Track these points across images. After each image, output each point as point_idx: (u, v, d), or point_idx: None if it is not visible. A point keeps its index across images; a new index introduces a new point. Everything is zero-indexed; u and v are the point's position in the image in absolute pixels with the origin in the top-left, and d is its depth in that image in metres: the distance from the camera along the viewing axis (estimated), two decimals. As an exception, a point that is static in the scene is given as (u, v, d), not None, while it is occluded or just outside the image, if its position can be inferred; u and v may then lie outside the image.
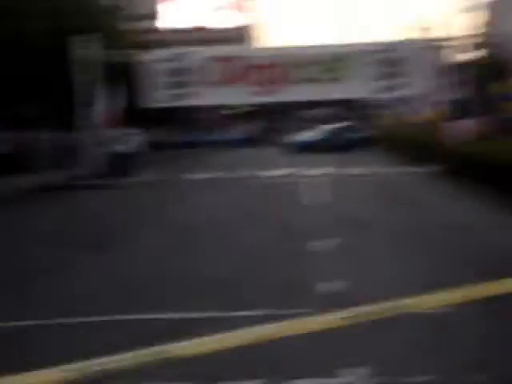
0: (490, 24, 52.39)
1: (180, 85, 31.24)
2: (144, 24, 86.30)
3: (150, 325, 7.96)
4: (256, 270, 11.25)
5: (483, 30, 48.39)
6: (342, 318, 3.58)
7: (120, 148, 29.74)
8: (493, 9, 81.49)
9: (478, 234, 13.98)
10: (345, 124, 53.00)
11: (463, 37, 32.68)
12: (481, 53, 35.10)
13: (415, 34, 40.77)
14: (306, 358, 6.55)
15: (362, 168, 31.98)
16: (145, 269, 11.53)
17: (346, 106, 70.75)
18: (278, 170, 32.15)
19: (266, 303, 8.62)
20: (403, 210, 18.24)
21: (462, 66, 40.34)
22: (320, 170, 32.11)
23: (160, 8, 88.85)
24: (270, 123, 71.88)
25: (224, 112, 70.81)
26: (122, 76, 31.10)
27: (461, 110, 32.48)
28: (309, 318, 4.23)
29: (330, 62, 31.10)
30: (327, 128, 52.11)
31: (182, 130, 67.02)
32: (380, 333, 6.85)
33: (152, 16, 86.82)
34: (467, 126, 29.49)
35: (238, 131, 68.75)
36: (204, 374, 6.08)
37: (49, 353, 6.91)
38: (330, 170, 31.69)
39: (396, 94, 35.53)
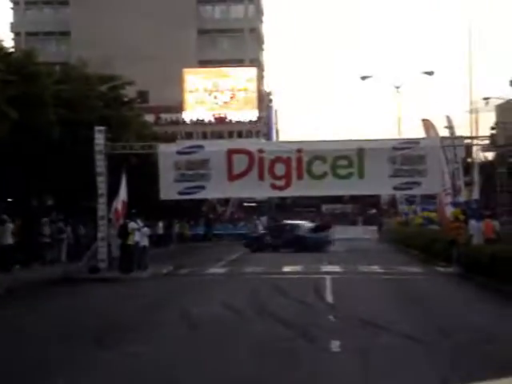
0: (503, 125, 52.68)
1: (197, 177, 31.14)
2: (169, 115, 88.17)
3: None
4: (269, 369, 10.86)
5: (498, 131, 48.60)
6: None
7: (136, 240, 29.40)
8: (502, 110, 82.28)
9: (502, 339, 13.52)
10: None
11: (481, 136, 32.63)
12: (499, 154, 35.06)
13: (435, 132, 40.74)
14: None
15: (378, 266, 31.62)
16: (151, 371, 11.12)
17: (361, 203, 70.67)
18: (294, 266, 31.77)
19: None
20: (422, 311, 17.79)
21: (482, 165, 40.39)
22: (336, 266, 31.74)
23: (186, 100, 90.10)
24: (288, 217, 71.76)
25: (246, 204, 70.87)
26: (124, 167, 31.08)
27: (480, 209, 32.26)
28: None
29: (348, 158, 31.01)
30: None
31: (200, 223, 66.98)
32: None
33: (177, 109, 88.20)
34: (487, 226, 29.16)
35: (258, 224, 68.58)
36: None
37: None
38: (348, 267, 31.31)
39: (414, 192, 35.43)
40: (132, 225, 29.37)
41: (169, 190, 31.30)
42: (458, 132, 39.26)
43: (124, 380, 10.52)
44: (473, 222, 28.93)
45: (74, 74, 35.81)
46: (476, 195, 30.75)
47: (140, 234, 30.12)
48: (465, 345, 13.04)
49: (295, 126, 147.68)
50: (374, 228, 63.05)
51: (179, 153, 31.47)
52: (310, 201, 66.50)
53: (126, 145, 32.47)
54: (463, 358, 11.78)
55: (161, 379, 10.53)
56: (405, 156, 30.75)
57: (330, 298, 20.36)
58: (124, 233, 28.97)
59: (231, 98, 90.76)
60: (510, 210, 32.72)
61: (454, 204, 35.30)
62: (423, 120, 42.48)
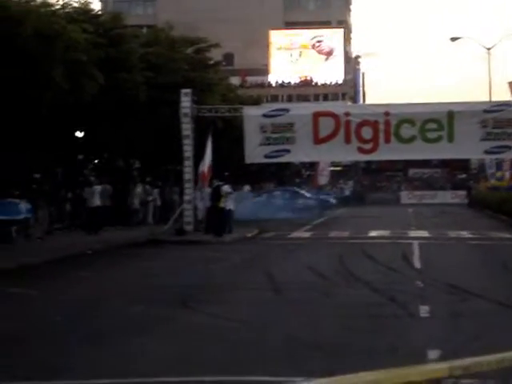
0: None
1: (282, 140, 30.93)
2: (255, 78, 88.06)
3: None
4: (359, 334, 10.66)
5: None
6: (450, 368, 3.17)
7: (226, 204, 29.29)
8: None
9: None
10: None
11: None
12: None
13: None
14: None
15: (468, 231, 31.01)
16: (241, 328, 11.05)
17: (450, 167, 69.32)
18: (380, 231, 31.39)
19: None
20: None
21: None
22: (424, 231, 31.24)
23: (271, 62, 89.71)
24: (374, 181, 70.99)
25: (332, 169, 70.36)
26: (210, 130, 31.05)
27: None
28: (416, 367, 3.88)
29: (437, 121, 30.33)
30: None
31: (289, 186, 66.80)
32: None
33: (263, 71, 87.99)
34: None
35: (344, 188, 68.10)
36: None
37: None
38: (436, 232, 30.77)
39: (505, 155, 34.53)
40: (226, 188, 29.33)
41: (254, 153, 31.19)
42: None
43: (203, 340, 10.46)
44: None
45: (160, 36, 35.91)
46: None
47: (231, 198, 30.14)
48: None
49: (383, 90, 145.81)
50: (463, 193, 62.00)
51: (264, 116, 31.29)
52: (396, 165, 65.58)
53: (212, 108, 32.44)
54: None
55: (239, 340, 10.44)
56: (496, 119, 29.94)
57: (417, 263, 19.99)
58: (217, 195, 28.94)
59: (318, 60, 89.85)
60: None
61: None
62: (510, 83, 41.22)
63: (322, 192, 66.17)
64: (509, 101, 31.81)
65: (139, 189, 35.68)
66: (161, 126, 31.43)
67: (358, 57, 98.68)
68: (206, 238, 28.17)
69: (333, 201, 55.78)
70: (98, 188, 30.68)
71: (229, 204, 29.90)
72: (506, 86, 41.22)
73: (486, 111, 30.22)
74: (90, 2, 30.37)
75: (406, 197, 64.86)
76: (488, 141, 30.13)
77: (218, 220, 28.79)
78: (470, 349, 9.54)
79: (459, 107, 30.75)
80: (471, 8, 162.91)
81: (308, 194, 50.85)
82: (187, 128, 30.43)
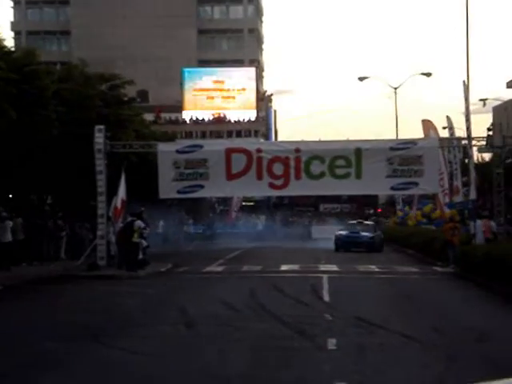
0: (499, 126, 52.76)
1: (196, 176, 31.32)
2: (169, 115, 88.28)
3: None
4: (269, 367, 11.02)
5: (494, 132, 48.82)
6: None
7: (138, 240, 29.38)
8: (499, 111, 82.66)
9: (497, 338, 13.68)
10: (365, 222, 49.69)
11: (478, 137, 32.80)
12: (495, 154, 35.25)
13: (435, 132, 40.86)
14: None
15: (376, 265, 31.79)
16: (148, 367, 11.28)
17: (359, 203, 70.78)
18: (291, 265, 31.92)
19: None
20: (418, 310, 17.95)
21: (479, 166, 40.51)
22: (333, 265, 31.90)
23: (185, 99, 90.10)
24: (285, 216, 71.88)
25: (244, 203, 70.98)
26: (126, 166, 31.28)
27: (477, 210, 32.45)
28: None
29: (346, 158, 31.19)
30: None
31: (202, 221, 67.17)
32: None
33: (177, 108, 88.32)
34: (484, 226, 29.36)
35: (256, 223, 68.73)
36: None
37: None
38: (345, 266, 31.46)
39: (411, 192, 35.60)
40: (138, 223, 29.46)
41: (168, 188, 31.51)
42: (456, 133, 39.31)
43: (116, 375, 10.67)
44: (478, 222, 29.18)
45: (74, 73, 36.01)
46: (473, 196, 30.95)
47: (146, 232, 30.27)
48: (458, 343, 13.21)
49: (294, 127, 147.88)
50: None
51: (178, 152, 31.65)
52: (307, 200, 66.59)
53: (126, 144, 32.66)
54: (458, 357, 11.94)
55: (151, 376, 10.66)
56: (402, 156, 30.94)
57: (326, 297, 20.51)
58: (130, 231, 29.02)
59: (230, 98, 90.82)
60: (505, 210, 32.87)
61: (450, 205, 35.55)
62: (423, 121, 42.52)
63: (236, 226, 66.81)
64: (414, 139, 32.84)
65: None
66: (74, 162, 31.45)
67: (270, 95, 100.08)
68: (119, 272, 28.21)
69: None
70: (9, 223, 30.42)
71: (142, 239, 29.99)
72: (418, 123, 42.45)
73: (392, 149, 31.21)
74: (3, 39, 30.36)
75: (316, 231, 65.81)
76: (394, 177, 31.10)
77: (130, 255, 28.88)
78: (374, 382, 10.02)
79: (367, 145, 31.70)
80: (380, 47, 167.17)
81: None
82: (100, 164, 30.55)
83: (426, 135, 40.35)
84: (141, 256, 29.53)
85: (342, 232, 45.18)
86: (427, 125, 41.73)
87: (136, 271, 28.19)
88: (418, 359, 11.76)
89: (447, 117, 40.48)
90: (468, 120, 32.02)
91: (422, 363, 11.45)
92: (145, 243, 30.01)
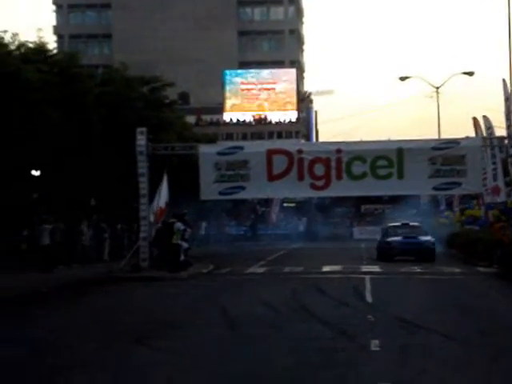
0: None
1: (237, 177, 31.38)
2: (210, 116, 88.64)
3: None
4: (311, 367, 10.99)
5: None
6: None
7: (178, 241, 29.53)
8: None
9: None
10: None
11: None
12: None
13: (476, 131, 40.45)
14: None
15: (418, 266, 31.54)
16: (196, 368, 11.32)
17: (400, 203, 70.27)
18: (333, 266, 31.81)
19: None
20: (461, 310, 17.79)
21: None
22: (375, 266, 31.73)
23: (226, 101, 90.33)
24: (327, 217, 71.67)
25: (286, 204, 71.00)
26: (167, 167, 31.42)
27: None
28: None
29: (388, 158, 31.03)
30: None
31: (244, 223, 67.40)
32: None
33: (218, 110, 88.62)
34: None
35: (297, 224, 68.75)
36: None
37: None
38: (387, 267, 31.27)
39: (454, 192, 35.28)
40: (178, 225, 29.58)
41: (209, 190, 31.60)
42: (497, 132, 38.80)
43: (158, 377, 10.71)
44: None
45: (115, 76, 36.30)
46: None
47: (187, 234, 30.45)
48: (503, 344, 13.06)
49: (335, 128, 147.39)
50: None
51: (219, 153, 31.73)
52: (349, 201, 66.32)
53: (168, 146, 32.82)
54: (502, 357, 11.81)
55: (193, 377, 10.69)
56: (445, 156, 30.71)
57: (369, 297, 20.41)
58: (170, 232, 29.18)
59: (271, 99, 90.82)
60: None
61: (490, 206, 35.10)
62: (474, 118, 41.87)
63: (279, 227, 66.87)
64: (456, 139, 32.56)
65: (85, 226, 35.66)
66: (115, 164, 31.68)
67: (310, 94, 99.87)
68: (161, 274, 28.32)
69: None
70: (48, 227, 30.70)
71: (183, 241, 30.13)
72: (464, 122, 42.11)
73: (434, 148, 30.98)
74: (46, 43, 30.71)
75: (358, 232, 65.59)
76: (437, 177, 30.87)
77: (171, 256, 29.02)
78: (418, 382, 9.93)
79: (408, 144, 31.51)
80: (420, 46, 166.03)
81: None
82: (143, 166, 30.73)
83: (476, 133, 39.95)
84: (182, 257, 29.67)
85: (394, 238, 35.79)
86: (477, 122, 41.18)
87: (178, 272, 28.30)
88: (462, 360, 11.64)
89: (484, 116, 39.96)
90: (509, 119, 31.63)
91: (465, 364, 11.34)
92: (185, 245, 30.15)
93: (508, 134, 31.67)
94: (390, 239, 35.79)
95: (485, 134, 38.39)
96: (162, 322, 16.17)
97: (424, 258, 34.21)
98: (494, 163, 36.85)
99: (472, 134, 41.41)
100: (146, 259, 30.46)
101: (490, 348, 12.59)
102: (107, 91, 33.04)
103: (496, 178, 36.36)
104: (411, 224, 38.72)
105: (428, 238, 35.86)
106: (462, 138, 34.12)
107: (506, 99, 32.27)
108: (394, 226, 37.99)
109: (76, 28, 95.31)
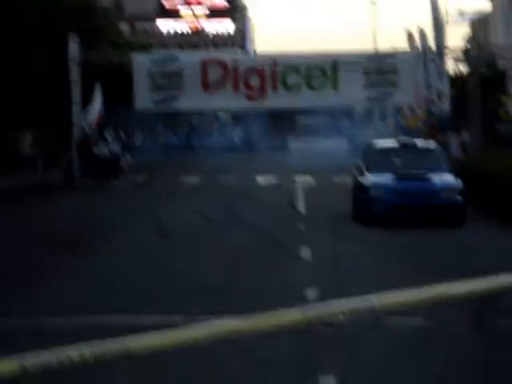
0: (476, 37, 52.53)
1: (171, 87, 31.17)
2: (143, 25, 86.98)
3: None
4: (243, 274, 11.22)
5: (471, 43, 48.53)
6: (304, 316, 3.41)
7: (106, 150, 29.39)
8: (479, 23, 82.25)
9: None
10: None
11: (454, 49, 32.71)
12: (471, 66, 35.16)
13: (409, 43, 40.59)
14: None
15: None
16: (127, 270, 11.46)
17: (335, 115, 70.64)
18: (266, 176, 32.08)
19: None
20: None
21: (455, 79, 40.40)
22: (310, 177, 32.08)
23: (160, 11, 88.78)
24: (263, 129, 71.82)
25: (221, 115, 70.81)
26: (101, 76, 30.93)
27: (451, 122, 32.58)
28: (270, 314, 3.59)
29: (322, 69, 31.14)
30: None
31: (179, 133, 67.11)
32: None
33: (151, 18, 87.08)
34: (458, 138, 29.58)
35: (233, 135, 68.74)
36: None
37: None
38: (320, 177, 31.62)
39: (386, 102, 35.60)
40: (102, 135, 29.33)
41: (143, 99, 31.39)
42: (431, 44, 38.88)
43: (96, 283, 10.83)
44: (452, 134, 29.36)
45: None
46: (447, 107, 31.03)
47: (113, 144, 30.24)
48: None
49: (271, 39, 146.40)
50: (345, 139, 63.73)
51: (154, 62, 31.43)
52: (284, 112, 66.44)
53: (100, 53, 32.27)
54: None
55: (126, 283, 10.83)
56: (379, 68, 30.94)
57: (302, 207, 20.71)
58: (91, 141, 29.01)
59: (208, 9, 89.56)
60: (480, 122, 33.01)
61: (430, 112, 35.32)
62: (407, 31, 41.82)
63: (213, 138, 66.85)
64: (390, 52, 32.79)
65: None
66: (46, 71, 31.04)
67: (245, 5, 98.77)
68: (93, 183, 28.16)
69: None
70: None
71: (115, 149, 29.90)
72: (399, 34, 42.08)
73: (369, 60, 31.20)
74: None
75: (293, 143, 65.94)
76: (370, 88, 31.15)
77: (98, 165, 28.86)
78: (346, 289, 10.18)
79: (344, 57, 31.65)
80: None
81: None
82: (75, 73, 30.27)
83: (410, 46, 40.07)
84: (113, 166, 29.51)
85: (382, 179, 17.29)
86: (411, 36, 41.20)
87: (108, 181, 28.26)
88: (382, 265, 11.99)
89: (420, 29, 39.95)
90: (437, 31, 31.75)
91: (383, 267, 11.68)
92: (112, 152, 29.82)
93: (437, 45, 31.87)
94: (371, 182, 17.31)
95: (420, 47, 38.48)
96: (94, 231, 16.24)
97: (445, 220, 16.60)
98: (428, 74, 37.12)
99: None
100: (77, 168, 30.24)
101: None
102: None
103: (430, 90, 36.68)
104: (419, 146, 19.35)
105: (450, 178, 17.48)
106: (396, 51, 34.25)
107: (433, 9, 32.34)
108: (382, 151, 18.92)
109: None
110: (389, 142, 19.80)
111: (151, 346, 3.21)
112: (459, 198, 16.71)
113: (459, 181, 17.12)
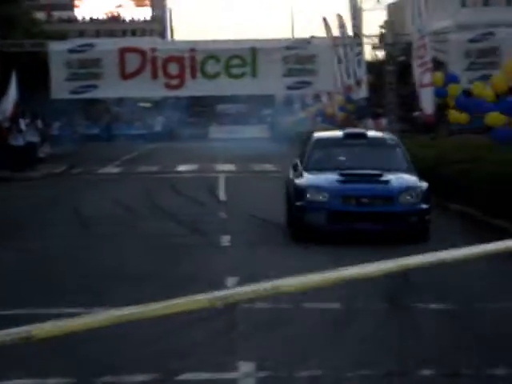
0: (390, 24, 53.29)
1: (89, 76, 30.85)
2: (60, 13, 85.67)
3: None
4: (163, 263, 11.21)
5: (387, 30, 49.24)
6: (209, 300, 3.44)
7: (21, 140, 28.84)
8: (394, 9, 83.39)
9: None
10: None
11: (371, 36, 33.18)
12: (387, 52, 35.69)
13: (326, 31, 40.95)
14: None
15: (273, 164, 32.12)
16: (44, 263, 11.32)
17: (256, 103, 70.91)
18: (189, 165, 32.01)
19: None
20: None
21: (373, 65, 40.93)
22: (232, 165, 32.14)
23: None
24: (183, 117, 71.58)
25: (142, 104, 70.32)
26: (16, 66, 30.41)
27: (369, 108, 33.06)
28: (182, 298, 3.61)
29: (241, 57, 31.21)
30: None
31: (99, 123, 66.39)
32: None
33: (69, 6, 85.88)
34: (376, 124, 30.01)
35: (154, 124, 68.33)
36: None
37: None
38: (242, 165, 31.73)
39: (306, 91, 35.94)
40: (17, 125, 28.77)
41: (60, 88, 31.00)
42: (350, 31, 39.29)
43: (12, 275, 10.68)
44: (369, 120, 29.76)
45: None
46: (364, 94, 31.45)
47: (30, 134, 29.69)
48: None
49: (190, 26, 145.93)
50: (266, 127, 64.02)
51: (71, 51, 31.06)
52: (205, 100, 66.39)
53: (16, 42, 31.68)
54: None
55: (43, 275, 10.70)
56: (297, 56, 31.19)
57: (223, 196, 20.74)
58: (7, 133, 28.45)
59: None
60: (397, 108, 33.55)
61: (349, 98, 35.76)
62: (323, 18, 42.14)
63: (133, 127, 66.41)
64: (307, 38, 33.05)
65: None
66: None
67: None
68: (10, 174, 27.66)
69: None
70: None
71: (32, 139, 29.34)
72: (315, 21, 42.35)
73: (287, 48, 31.40)
74: None
75: (214, 132, 65.96)
76: (290, 77, 31.38)
77: (11, 155, 28.35)
78: (265, 275, 10.27)
79: (262, 44, 31.81)
80: None
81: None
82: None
83: (327, 33, 40.38)
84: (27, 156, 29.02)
85: (322, 182, 13.35)
86: (327, 23, 41.51)
87: (24, 172, 27.78)
88: (305, 252, 12.11)
89: (338, 15, 40.33)
90: (355, 18, 32.14)
91: (305, 253, 11.81)
92: (21, 142, 29.30)
93: (354, 32, 32.26)
94: (309, 184, 13.52)
95: (338, 33, 38.92)
96: (11, 223, 15.98)
97: (406, 233, 13.11)
98: (346, 62, 37.56)
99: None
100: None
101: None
102: None
103: (349, 77, 37.09)
104: (372, 138, 15.36)
105: (411, 179, 13.65)
106: (313, 38, 34.53)
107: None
108: (325, 145, 15.15)
109: None
110: (333, 134, 16.32)
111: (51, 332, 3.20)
112: (424, 205, 12.87)
113: (424, 183, 13.24)
